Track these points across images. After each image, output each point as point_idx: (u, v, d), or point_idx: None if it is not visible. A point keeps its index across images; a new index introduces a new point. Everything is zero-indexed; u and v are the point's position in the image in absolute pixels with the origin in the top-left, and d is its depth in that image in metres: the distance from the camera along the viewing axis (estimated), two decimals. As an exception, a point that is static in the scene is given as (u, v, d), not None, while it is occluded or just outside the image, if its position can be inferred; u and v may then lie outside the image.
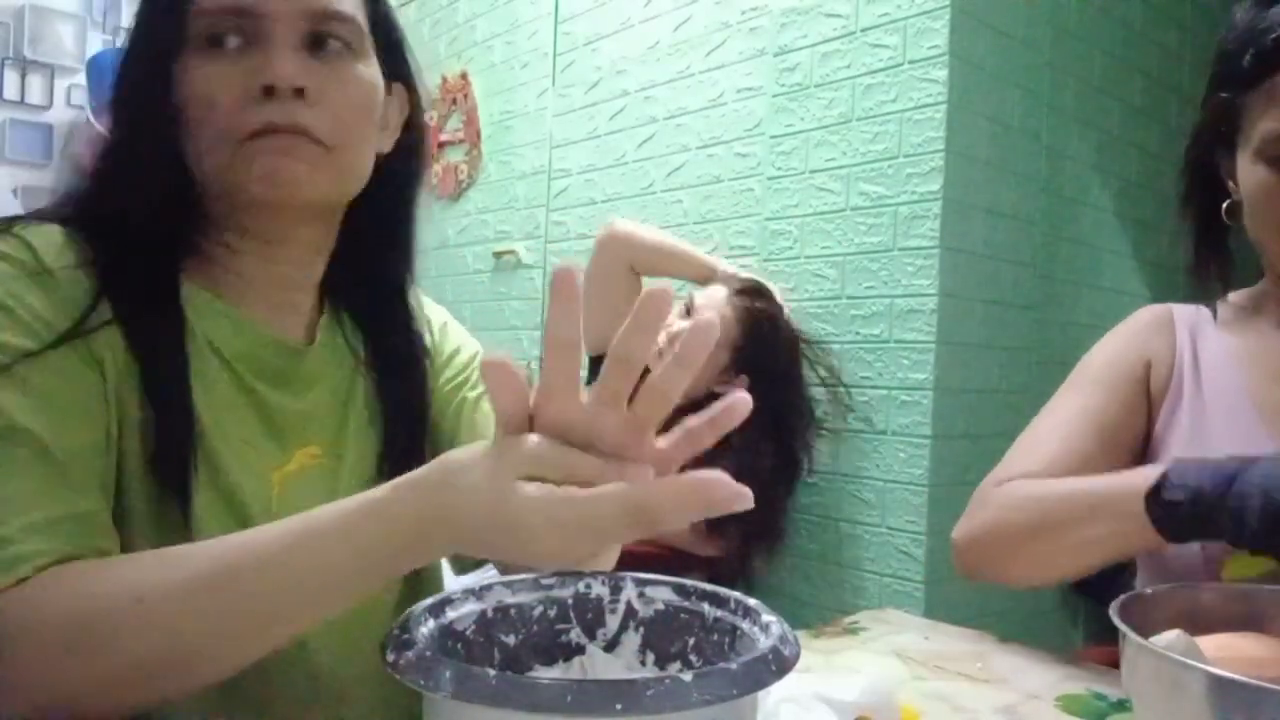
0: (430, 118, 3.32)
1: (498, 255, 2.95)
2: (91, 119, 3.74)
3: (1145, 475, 0.79)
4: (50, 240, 0.66)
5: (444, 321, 0.92)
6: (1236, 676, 0.51)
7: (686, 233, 2.35)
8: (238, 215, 0.72)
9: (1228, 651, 0.63)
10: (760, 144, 2.18)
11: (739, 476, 0.48)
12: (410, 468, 0.78)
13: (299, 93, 0.68)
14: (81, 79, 4.00)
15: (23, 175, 3.96)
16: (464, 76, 3.13)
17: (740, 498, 0.47)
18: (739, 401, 0.51)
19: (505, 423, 0.50)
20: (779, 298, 1.97)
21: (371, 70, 0.74)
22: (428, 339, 0.87)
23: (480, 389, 0.89)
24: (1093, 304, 2.30)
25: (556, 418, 0.49)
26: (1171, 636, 0.62)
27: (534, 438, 0.49)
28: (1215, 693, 0.52)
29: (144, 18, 0.70)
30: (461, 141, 3.14)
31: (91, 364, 0.64)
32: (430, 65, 3.29)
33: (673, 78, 2.40)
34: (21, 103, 3.97)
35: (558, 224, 2.77)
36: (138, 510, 0.65)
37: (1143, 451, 0.97)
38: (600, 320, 2.14)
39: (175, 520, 0.66)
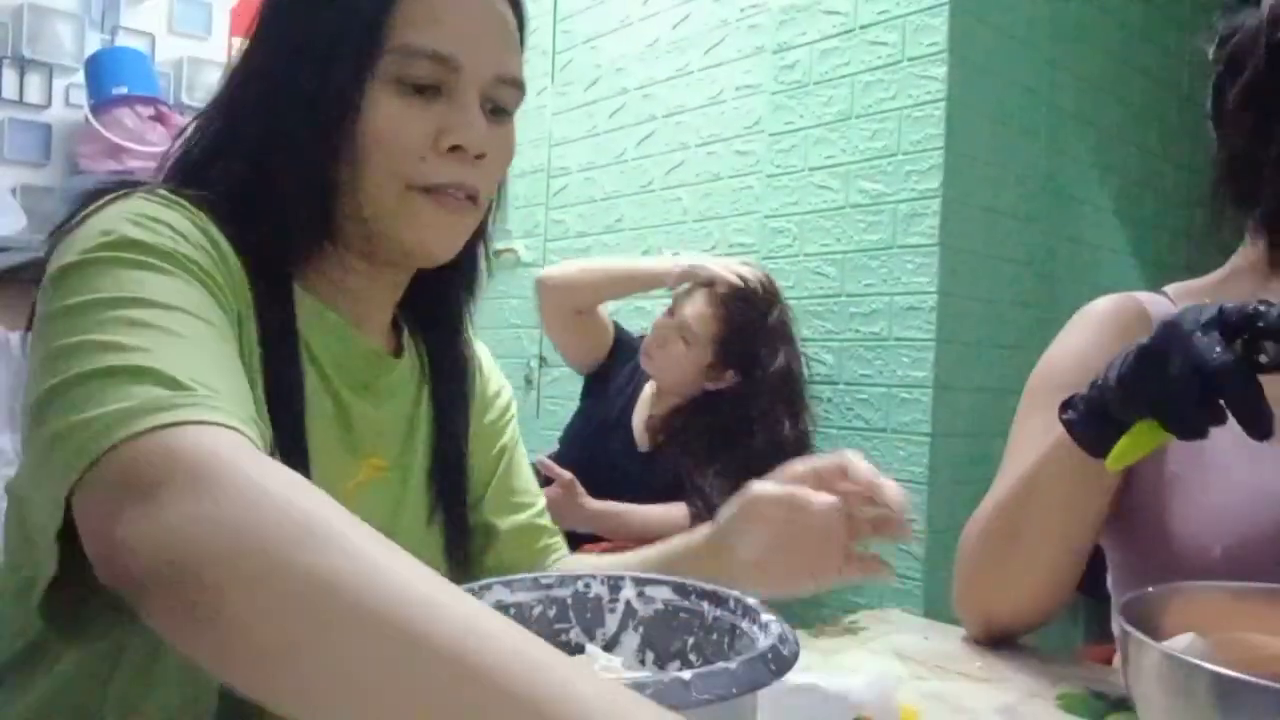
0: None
1: (497, 254, 2.93)
2: (90, 119, 3.74)
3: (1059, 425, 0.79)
4: (195, 208, 0.64)
5: (490, 359, 0.93)
6: (1242, 676, 0.51)
7: (686, 230, 2.35)
8: (370, 244, 0.72)
9: (1233, 651, 0.62)
10: (759, 141, 2.17)
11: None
12: (454, 490, 0.80)
13: (479, 157, 0.70)
14: (80, 78, 3.99)
15: (21, 174, 3.95)
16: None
17: None
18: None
19: None
20: (754, 277, 1.93)
21: (513, 132, 0.77)
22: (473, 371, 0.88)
23: (512, 434, 0.91)
24: (1091, 301, 2.29)
25: None
26: (1187, 640, 0.62)
27: None
28: (1221, 692, 0.52)
29: (330, 33, 0.66)
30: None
31: (232, 325, 0.61)
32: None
33: (672, 75, 2.40)
34: (20, 102, 3.97)
35: (557, 222, 2.77)
36: None
37: (1122, 475, 0.93)
38: (574, 352, 2.15)
39: None
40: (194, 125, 0.72)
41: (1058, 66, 2.15)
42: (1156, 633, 0.61)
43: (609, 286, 2.02)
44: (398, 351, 0.80)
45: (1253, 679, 0.50)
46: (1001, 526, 0.88)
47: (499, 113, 0.73)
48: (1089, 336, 0.98)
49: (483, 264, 0.84)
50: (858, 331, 1.96)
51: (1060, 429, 0.79)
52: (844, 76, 1.99)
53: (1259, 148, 0.88)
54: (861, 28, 1.97)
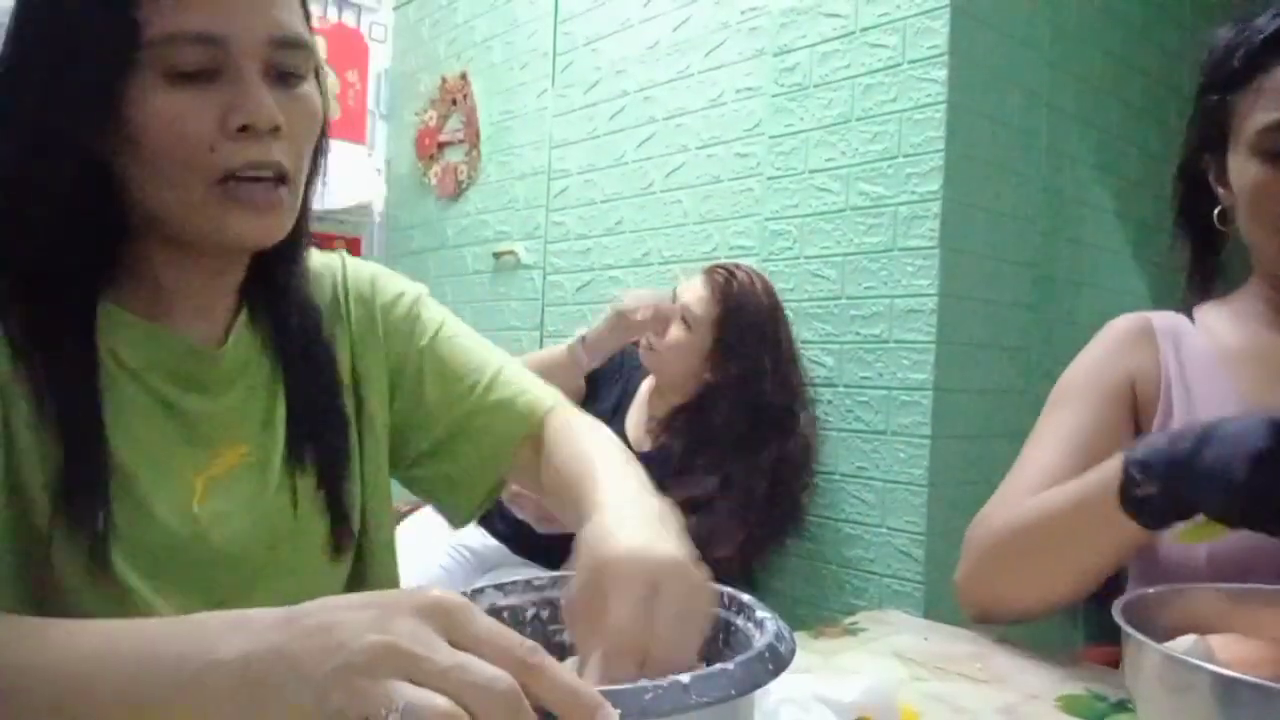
0: (430, 118, 3.33)
1: (497, 256, 2.95)
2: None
3: (1111, 471, 0.78)
4: None
5: (373, 276, 0.88)
6: (1243, 676, 0.51)
7: (686, 233, 2.35)
8: (187, 238, 0.69)
9: (1234, 652, 0.62)
10: (760, 144, 2.17)
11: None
12: (324, 459, 0.77)
13: (274, 131, 0.65)
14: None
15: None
16: (463, 77, 3.13)
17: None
18: None
19: None
20: (748, 274, 1.97)
21: (315, 89, 0.71)
22: (356, 302, 0.84)
23: (434, 328, 0.86)
24: (1092, 304, 2.29)
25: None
26: (1189, 642, 0.62)
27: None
28: (1221, 693, 0.52)
29: (71, 30, 0.63)
30: (461, 142, 3.13)
31: None
32: (429, 66, 3.29)
33: (672, 78, 2.40)
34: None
35: (557, 224, 2.77)
36: (41, 527, 0.64)
37: None
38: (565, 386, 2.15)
39: (82, 539, 0.64)
40: None
41: (1058, 68, 2.15)
42: (1157, 633, 0.61)
43: (604, 339, 1.99)
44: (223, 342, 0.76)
45: (1253, 679, 0.50)
46: (1019, 543, 0.88)
47: (287, 78, 0.67)
48: (1100, 353, 1.02)
49: (303, 229, 0.78)
50: (858, 334, 1.96)
51: (1106, 470, 0.79)
52: (844, 79, 1.99)
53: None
54: (862, 30, 1.97)
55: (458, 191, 3.15)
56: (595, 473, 0.68)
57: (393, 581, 0.86)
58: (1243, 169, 0.89)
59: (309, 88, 0.69)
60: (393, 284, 0.88)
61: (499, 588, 0.59)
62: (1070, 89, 2.20)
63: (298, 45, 0.67)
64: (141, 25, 0.61)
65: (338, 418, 0.80)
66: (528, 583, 0.61)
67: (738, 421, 1.86)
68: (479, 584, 0.61)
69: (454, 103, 3.16)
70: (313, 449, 0.77)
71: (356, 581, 0.82)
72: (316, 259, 0.85)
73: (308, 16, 0.71)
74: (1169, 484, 0.72)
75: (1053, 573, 0.87)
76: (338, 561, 0.80)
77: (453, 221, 3.17)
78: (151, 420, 0.70)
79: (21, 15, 0.65)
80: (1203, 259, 1.00)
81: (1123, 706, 0.74)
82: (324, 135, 0.75)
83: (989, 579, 0.91)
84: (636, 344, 2.00)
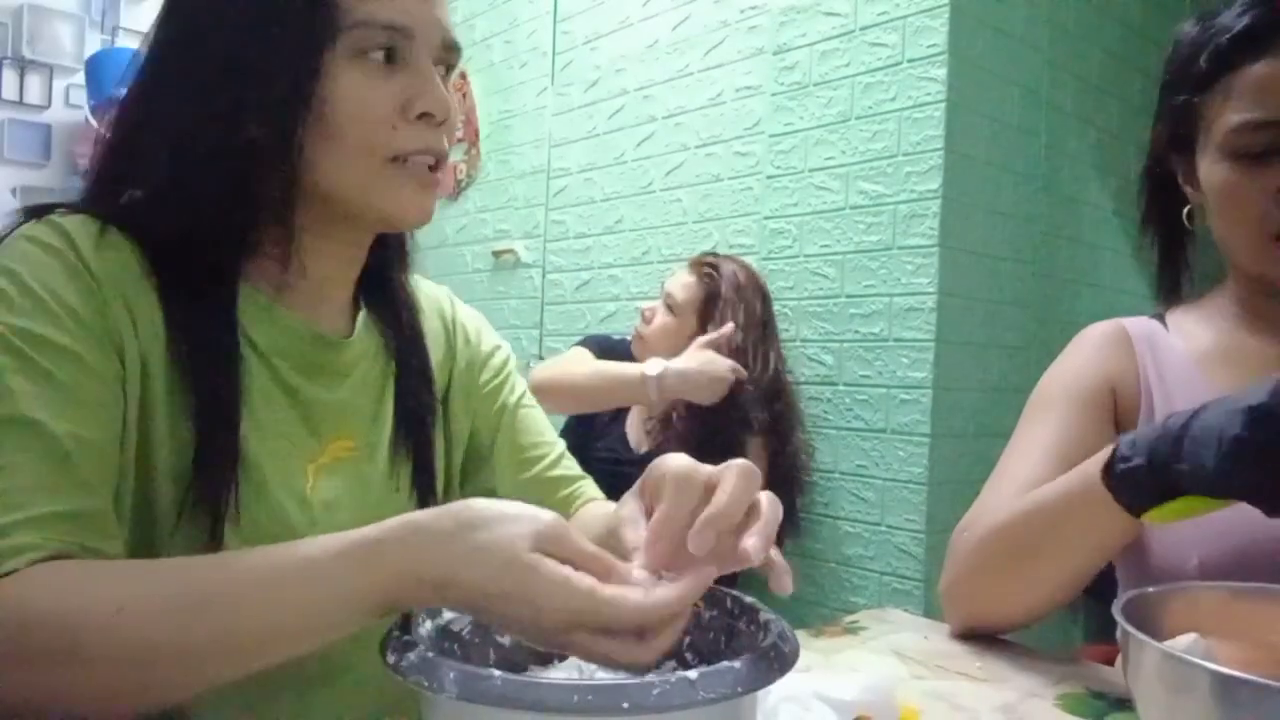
0: (429, 117, 3.33)
1: (497, 254, 2.95)
2: (90, 119, 3.74)
3: (1098, 459, 0.78)
4: (89, 234, 0.65)
5: (479, 322, 0.93)
6: (1243, 675, 0.51)
7: (685, 231, 2.36)
8: (330, 220, 0.72)
9: (1234, 650, 0.62)
10: (759, 143, 2.17)
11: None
12: (419, 446, 0.80)
13: (443, 122, 0.72)
14: (80, 79, 3.99)
15: (21, 175, 3.95)
16: (463, 76, 3.12)
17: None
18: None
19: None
20: (733, 263, 1.99)
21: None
22: (460, 339, 0.89)
23: (519, 392, 0.92)
24: (1091, 302, 2.30)
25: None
26: (1188, 640, 0.62)
27: (554, 517, 0.51)
28: (1221, 692, 0.52)
29: (276, 9, 0.67)
30: (460, 140, 3.13)
31: (115, 360, 0.63)
32: (429, 64, 3.29)
33: (672, 76, 2.40)
34: (20, 102, 3.97)
35: (557, 223, 2.77)
36: (164, 508, 0.65)
37: None
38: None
39: (204, 519, 0.66)
40: (116, 114, 0.72)
41: (1057, 67, 2.15)
42: (1157, 633, 0.61)
43: (599, 394, 1.95)
44: (349, 333, 0.79)
45: (1253, 678, 0.50)
46: (1004, 545, 0.87)
47: (445, 75, 0.75)
48: (1077, 361, 1.01)
49: (410, 236, 0.86)
50: (857, 332, 1.96)
51: (1095, 459, 0.78)
52: (844, 78, 2.00)
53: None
54: (861, 29, 1.97)
55: (457, 190, 3.15)
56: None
57: None
58: (1212, 170, 0.89)
59: (452, 89, 0.76)
60: (492, 337, 0.94)
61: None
62: (1069, 88, 2.20)
63: (458, 49, 0.76)
64: (341, 10, 0.67)
65: (434, 417, 0.84)
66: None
67: (731, 422, 1.86)
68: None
69: (453, 101, 3.16)
70: (413, 444, 0.81)
71: None
72: (420, 280, 0.91)
73: None
74: (1153, 460, 0.72)
75: (1037, 573, 0.86)
76: None
77: (452, 220, 3.17)
78: (273, 405, 0.71)
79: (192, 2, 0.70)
80: (1173, 259, 0.99)
81: (1122, 705, 0.74)
82: None
83: (974, 586, 0.90)
84: (629, 348, 2.01)
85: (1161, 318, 1.01)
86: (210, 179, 0.67)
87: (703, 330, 1.91)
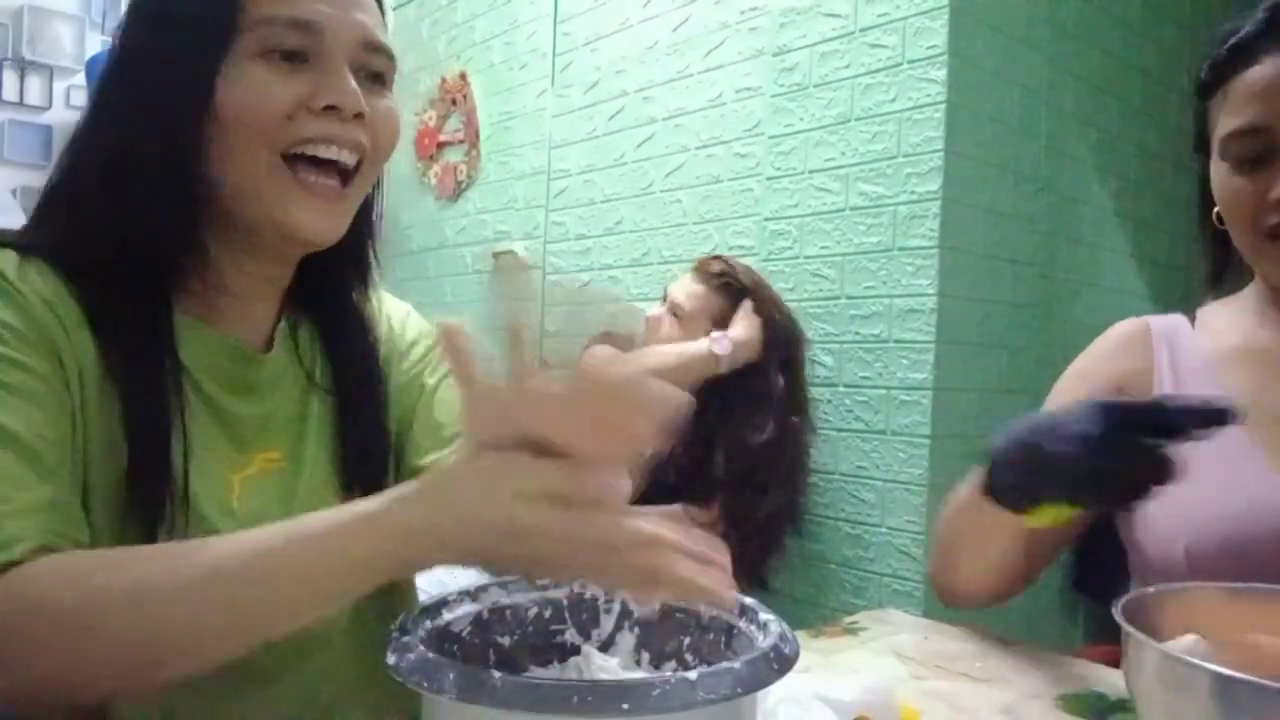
0: (429, 118, 3.33)
1: (497, 256, 2.94)
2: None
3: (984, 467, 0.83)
4: (9, 261, 0.65)
5: (405, 313, 0.92)
6: (1243, 675, 0.51)
7: (686, 233, 2.35)
8: (238, 234, 0.71)
9: (1234, 651, 0.62)
10: (759, 144, 2.17)
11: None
12: (370, 477, 0.79)
13: (358, 117, 0.69)
14: (81, 80, 3.99)
15: (21, 176, 3.95)
16: (463, 77, 3.12)
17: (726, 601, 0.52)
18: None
19: (473, 402, 0.52)
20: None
21: (395, 106, 0.75)
22: (386, 333, 0.88)
23: (438, 375, 0.89)
24: (1092, 303, 2.29)
25: (528, 409, 0.50)
26: (1189, 641, 0.62)
27: (527, 457, 0.51)
28: (1221, 692, 0.52)
29: (178, 14, 0.67)
30: (460, 142, 3.13)
31: (57, 365, 0.64)
32: (429, 65, 3.29)
33: (672, 78, 2.40)
34: (20, 104, 3.97)
35: (557, 224, 2.77)
36: (100, 508, 0.66)
37: None
38: None
39: (137, 525, 0.66)
40: (72, 137, 0.72)
41: (1057, 68, 2.15)
42: (1157, 633, 0.61)
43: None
44: (269, 348, 0.79)
45: (1253, 678, 0.51)
46: (949, 535, 0.96)
47: (375, 80, 0.72)
48: (1088, 362, 1.04)
49: (371, 256, 0.84)
50: (857, 334, 1.96)
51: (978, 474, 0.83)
52: (844, 79, 2.00)
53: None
54: (861, 30, 1.97)
55: (457, 191, 3.15)
56: None
57: (411, 587, 0.86)
58: (1214, 173, 0.93)
59: (391, 102, 0.74)
60: (420, 324, 0.93)
61: (502, 585, 0.59)
62: (1070, 88, 2.20)
63: (384, 51, 0.72)
64: (245, 8, 0.66)
65: (384, 441, 0.82)
66: (530, 581, 0.61)
67: (736, 413, 1.86)
68: (482, 582, 0.61)
69: (454, 103, 3.16)
70: (362, 465, 0.80)
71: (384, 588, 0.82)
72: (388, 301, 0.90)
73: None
74: (1018, 476, 0.76)
75: (976, 560, 0.94)
76: None
77: (452, 221, 3.17)
78: (199, 419, 0.71)
79: (131, 11, 0.71)
80: (1214, 255, 1.01)
81: (1122, 706, 0.74)
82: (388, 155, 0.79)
83: (943, 567, 0.98)
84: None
85: (1191, 314, 1.03)
86: (112, 190, 0.67)
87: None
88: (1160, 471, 0.67)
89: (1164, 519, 0.87)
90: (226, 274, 0.73)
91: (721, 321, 1.89)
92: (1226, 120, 0.89)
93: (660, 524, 0.50)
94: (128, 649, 0.53)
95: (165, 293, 0.70)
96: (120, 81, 0.70)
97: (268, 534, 0.55)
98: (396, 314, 0.91)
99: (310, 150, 0.68)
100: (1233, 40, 0.91)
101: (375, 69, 0.72)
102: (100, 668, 0.53)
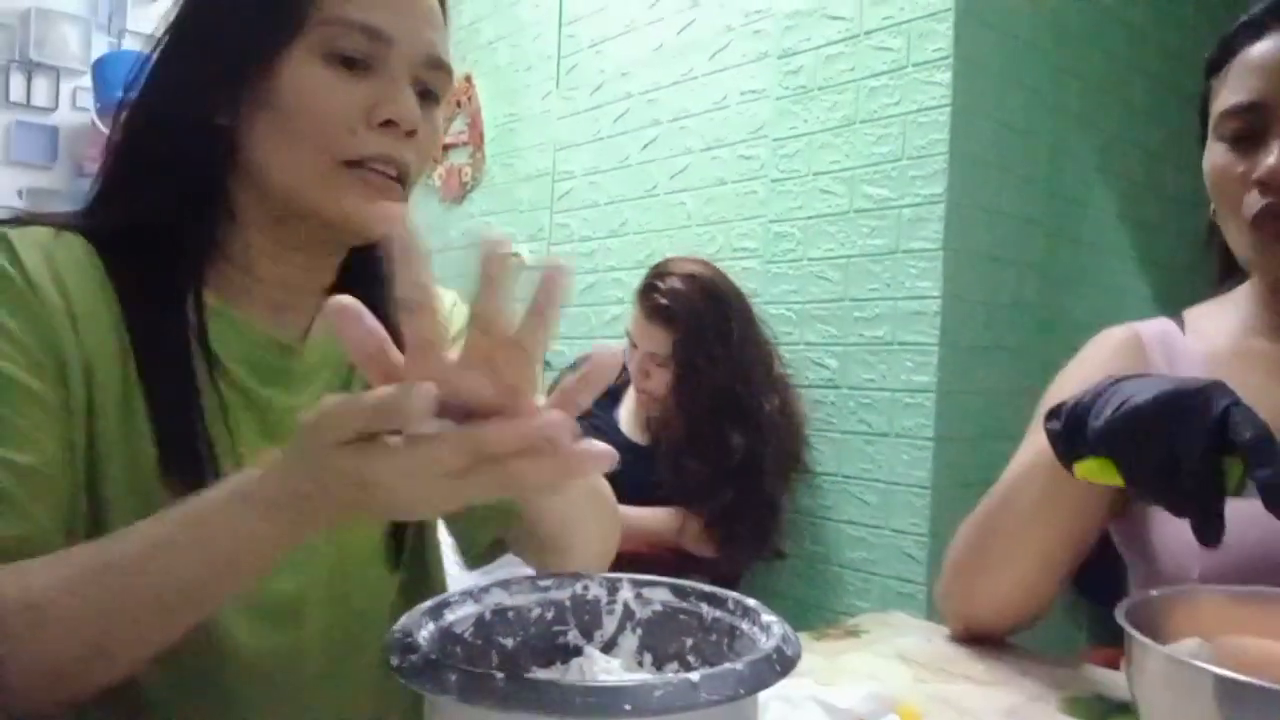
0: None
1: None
2: (97, 122, 3.75)
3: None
4: (36, 242, 0.64)
5: (452, 303, 0.90)
6: (1246, 678, 0.51)
7: (690, 235, 2.36)
8: (290, 224, 0.70)
9: (1238, 655, 0.62)
10: (764, 146, 2.18)
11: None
12: None
13: (410, 134, 0.68)
14: (87, 81, 4.00)
15: (28, 177, 3.96)
16: (468, 79, 3.13)
17: (600, 459, 0.46)
18: (601, 355, 0.49)
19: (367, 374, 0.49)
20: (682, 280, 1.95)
21: (441, 118, 0.74)
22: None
23: None
24: (1096, 305, 2.29)
25: (424, 379, 0.47)
26: (1192, 644, 0.62)
27: (337, 400, 0.47)
28: (1225, 695, 0.52)
29: (249, 3, 0.66)
30: (465, 144, 3.14)
31: (56, 381, 0.62)
32: (434, 68, 3.29)
33: (677, 80, 2.41)
34: (27, 105, 3.98)
35: (561, 226, 2.77)
36: (121, 521, 0.63)
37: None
38: None
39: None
40: (123, 111, 0.71)
41: (1061, 70, 2.15)
42: (1161, 636, 0.61)
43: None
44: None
45: (1257, 681, 0.50)
46: (978, 533, 0.90)
47: (427, 96, 0.71)
48: (1085, 369, 1.00)
49: None
50: (861, 336, 1.96)
51: (1041, 443, 0.79)
52: (849, 82, 2.00)
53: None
54: (866, 33, 1.97)
55: (462, 193, 3.16)
56: None
57: (442, 587, 0.85)
58: (1207, 155, 0.90)
59: (439, 114, 0.73)
60: (465, 312, 0.89)
61: (504, 586, 0.59)
62: (1073, 90, 2.20)
63: (446, 69, 0.71)
64: (317, 2, 0.65)
65: None
66: (533, 582, 0.61)
67: (698, 418, 1.87)
68: (484, 583, 0.61)
69: (458, 105, 3.16)
70: None
71: (412, 588, 0.81)
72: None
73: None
74: (1072, 412, 0.73)
75: (1003, 562, 0.87)
76: (392, 569, 0.79)
77: (457, 223, 3.17)
78: (231, 410, 0.70)
79: None
80: (1221, 251, 0.98)
81: (1125, 709, 0.74)
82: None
83: (963, 582, 0.91)
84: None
85: (1180, 318, 1.00)
86: (160, 166, 0.67)
87: (687, 369, 1.88)
88: (1207, 511, 0.64)
89: (1176, 542, 0.86)
90: (263, 262, 0.72)
91: (664, 349, 1.89)
92: (1225, 96, 0.86)
93: (503, 428, 0.45)
94: (41, 655, 0.52)
95: (199, 275, 0.69)
96: (177, 53, 0.68)
97: (160, 518, 0.54)
98: (444, 300, 0.88)
99: (366, 165, 0.68)
100: (1244, 18, 0.87)
101: (433, 87, 0.71)
102: (24, 679, 0.52)
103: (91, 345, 0.64)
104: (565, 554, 0.80)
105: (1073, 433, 0.73)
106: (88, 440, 0.64)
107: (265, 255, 0.72)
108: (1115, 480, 0.69)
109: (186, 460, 0.65)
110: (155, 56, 0.69)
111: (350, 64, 0.66)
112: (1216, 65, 0.90)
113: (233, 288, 0.72)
